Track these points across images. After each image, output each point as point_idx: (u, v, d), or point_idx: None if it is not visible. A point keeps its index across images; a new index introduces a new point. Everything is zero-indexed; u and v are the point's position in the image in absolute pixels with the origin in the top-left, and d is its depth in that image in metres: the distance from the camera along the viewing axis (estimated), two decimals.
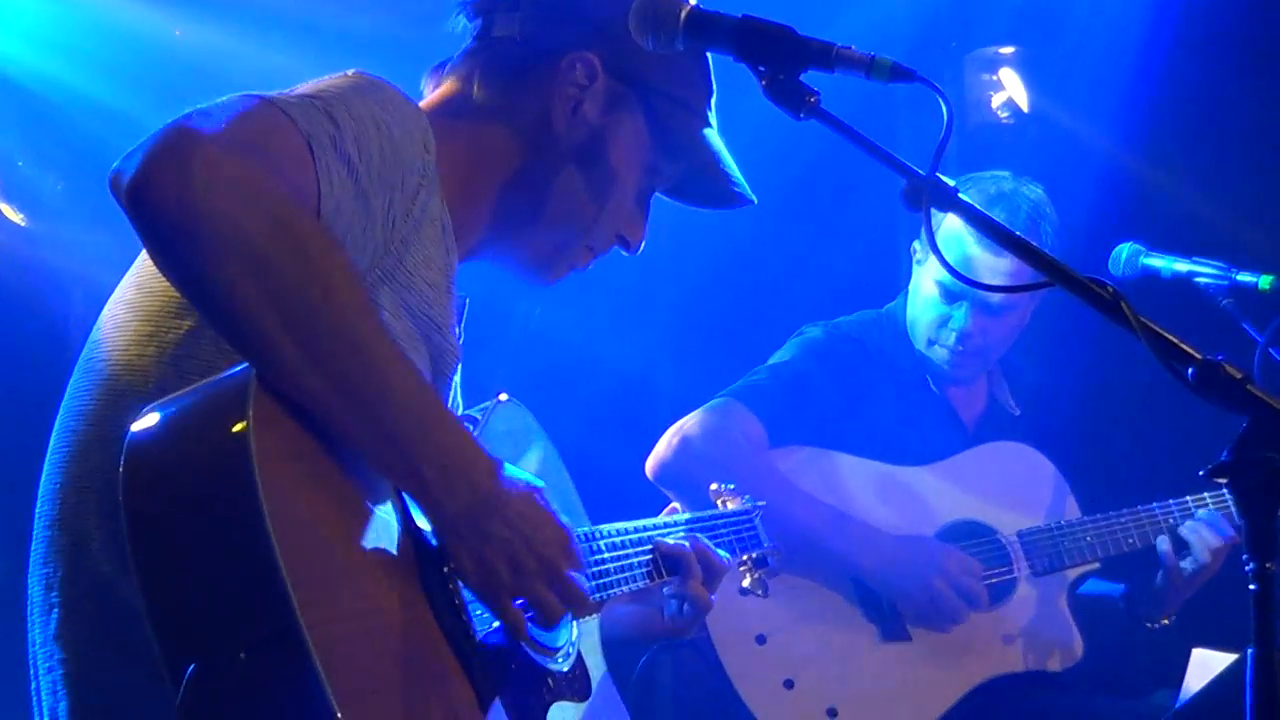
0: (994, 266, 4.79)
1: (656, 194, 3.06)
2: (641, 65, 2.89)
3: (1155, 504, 4.86)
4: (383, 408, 2.31)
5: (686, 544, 3.26)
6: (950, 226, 4.85)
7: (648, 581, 3.17)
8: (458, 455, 2.40)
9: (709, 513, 3.57)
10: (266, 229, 2.21)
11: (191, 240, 2.18)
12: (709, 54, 2.97)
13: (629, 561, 3.10)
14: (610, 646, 3.23)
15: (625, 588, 3.09)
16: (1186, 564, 4.78)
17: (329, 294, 2.27)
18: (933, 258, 4.93)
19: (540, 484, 2.56)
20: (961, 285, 4.88)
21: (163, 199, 2.17)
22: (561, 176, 2.90)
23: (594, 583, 2.90)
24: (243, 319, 2.23)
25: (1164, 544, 4.81)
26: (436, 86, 2.97)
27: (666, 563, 3.22)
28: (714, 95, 3.03)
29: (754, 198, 3.06)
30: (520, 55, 2.90)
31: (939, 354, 5.06)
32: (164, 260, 2.27)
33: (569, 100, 2.87)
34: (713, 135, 3.02)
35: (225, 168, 2.20)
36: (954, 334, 5.01)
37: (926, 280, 5.06)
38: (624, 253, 3.05)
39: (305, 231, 2.27)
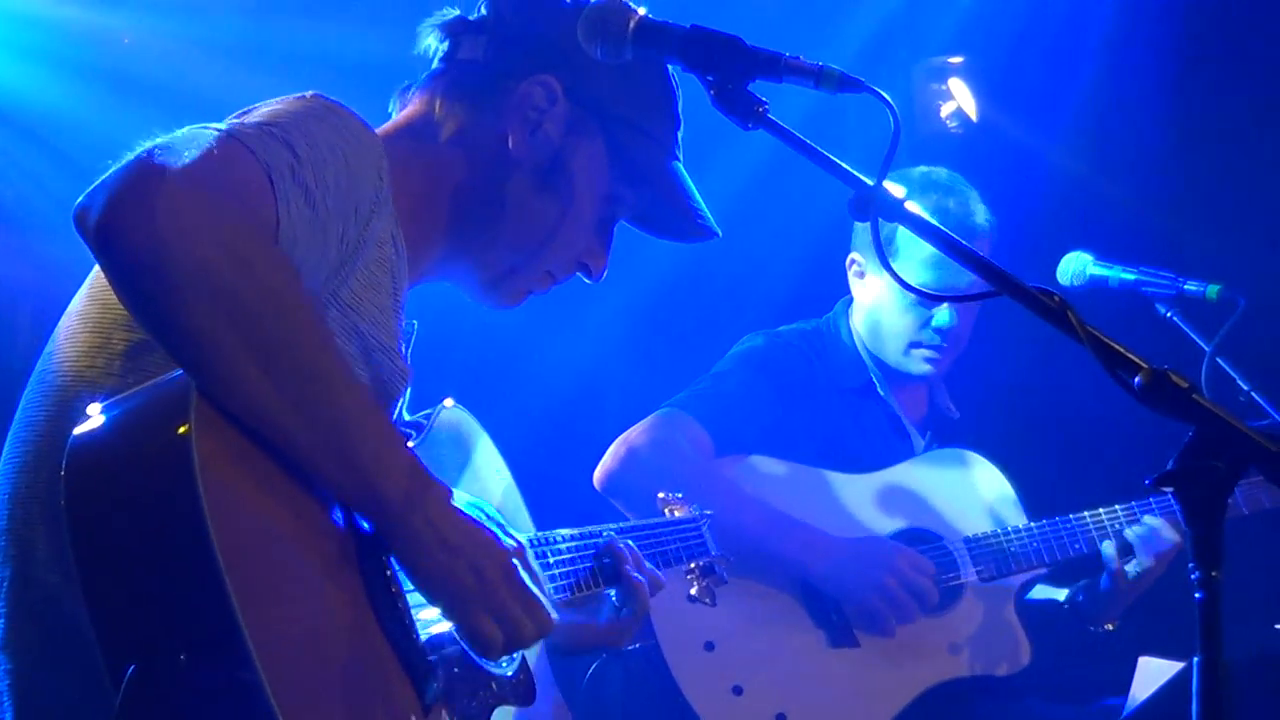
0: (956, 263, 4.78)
1: (620, 222, 3.07)
2: (604, 91, 2.91)
3: (1101, 508, 4.88)
4: (344, 435, 2.34)
5: (624, 550, 3.27)
6: (906, 232, 4.85)
7: (572, 594, 3.18)
8: (413, 477, 2.42)
9: (655, 520, 3.58)
10: (232, 265, 2.22)
11: (160, 278, 2.19)
12: (676, 88, 3.00)
13: (563, 570, 3.11)
14: (554, 655, 3.24)
15: (558, 596, 3.10)
16: (1130, 568, 4.81)
17: (292, 326, 2.29)
18: (894, 264, 4.92)
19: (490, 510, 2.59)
20: (939, 285, 4.86)
21: (130, 238, 2.19)
22: (518, 199, 2.91)
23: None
24: (210, 351, 2.24)
25: (1109, 548, 4.83)
26: (403, 108, 2.98)
27: (605, 572, 3.23)
28: (681, 128, 3.04)
29: (719, 231, 3.07)
30: (482, 77, 2.92)
31: (921, 355, 5.06)
32: (133, 298, 2.28)
33: (529, 123, 2.89)
34: (678, 167, 3.04)
35: (189, 205, 2.22)
36: (938, 334, 5.01)
37: (892, 289, 5.04)
38: (585, 279, 3.06)
39: (269, 265, 2.28)
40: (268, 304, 2.26)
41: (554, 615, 2.61)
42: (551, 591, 3.02)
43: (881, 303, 5.11)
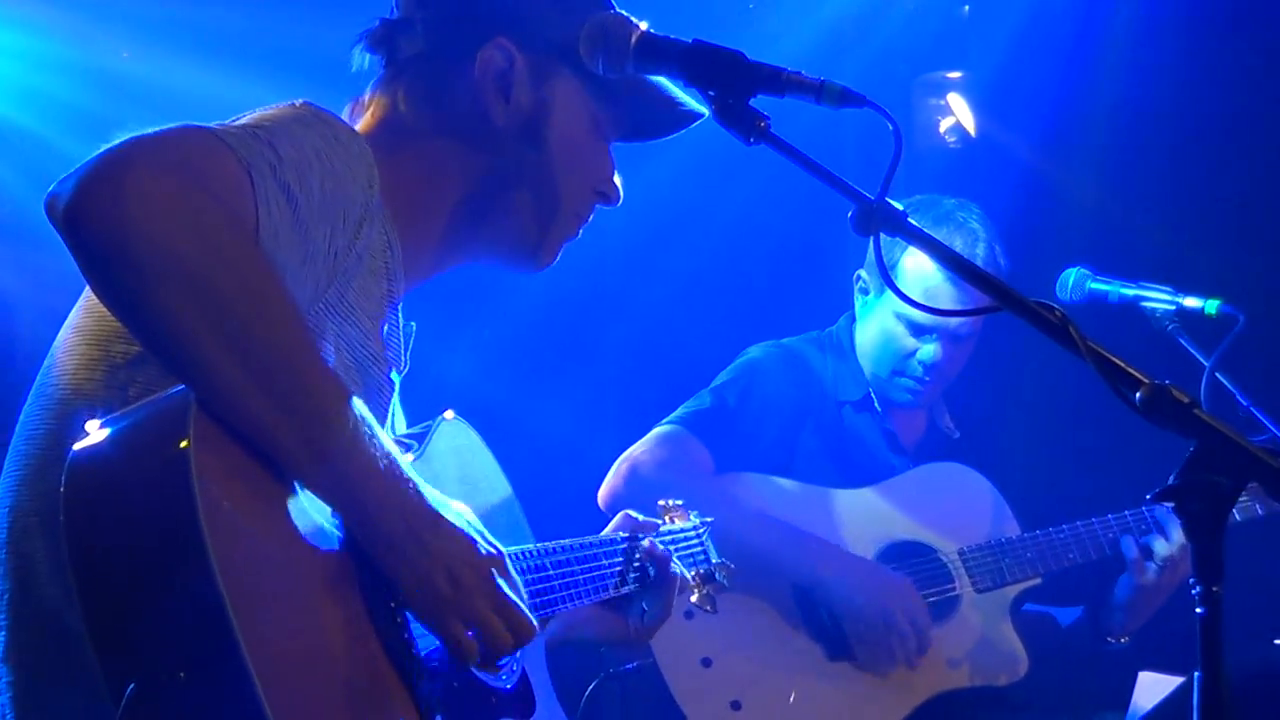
0: (954, 298, 4.82)
1: (616, 143, 3.06)
2: (551, 28, 2.88)
3: (1094, 519, 4.89)
4: (323, 435, 2.31)
5: (671, 549, 3.34)
6: (908, 261, 4.91)
7: (613, 591, 3.21)
8: (393, 480, 2.39)
9: (654, 530, 3.58)
10: (202, 249, 2.20)
11: (127, 262, 2.17)
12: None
13: (576, 578, 3.11)
14: (572, 651, 3.26)
15: (574, 604, 3.10)
16: (1152, 564, 4.80)
17: (265, 313, 2.27)
18: (888, 291, 4.96)
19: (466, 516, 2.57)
20: (931, 320, 4.92)
21: (98, 221, 2.16)
22: (518, 164, 2.90)
23: (537, 600, 2.92)
24: (181, 339, 2.22)
25: (1130, 549, 4.83)
26: (360, 115, 2.95)
27: (656, 570, 3.31)
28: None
29: (704, 110, 3.04)
30: (435, 65, 2.90)
31: (903, 384, 5.10)
32: (100, 283, 2.25)
33: (500, 90, 2.88)
34: None
35: (161, 189, 2.19)
36: (922, 366, 5.04)
37: (885, 314, 5.09)
38: (605, 207, 3.06)
39: (241, 252, 2.26)
40: (242, 293, 2.23)
41: (534, 622, 2.58)
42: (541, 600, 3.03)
43: (877, 325, 5.15)
